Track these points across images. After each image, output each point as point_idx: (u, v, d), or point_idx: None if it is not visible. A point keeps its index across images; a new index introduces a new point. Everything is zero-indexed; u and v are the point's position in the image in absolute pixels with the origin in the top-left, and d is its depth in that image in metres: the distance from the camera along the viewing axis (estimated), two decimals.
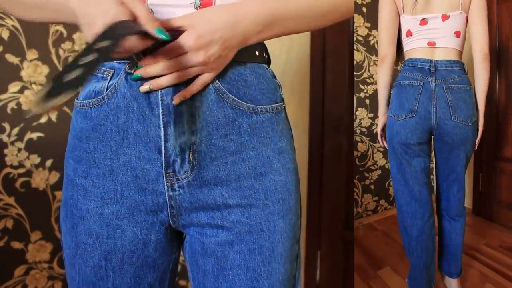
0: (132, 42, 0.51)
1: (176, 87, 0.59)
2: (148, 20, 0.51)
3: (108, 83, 0.61)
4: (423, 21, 1.16)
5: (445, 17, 1.14)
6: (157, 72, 0.57)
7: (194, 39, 0.55)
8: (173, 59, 0.57)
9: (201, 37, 0.56)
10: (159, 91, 0.59)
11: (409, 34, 1.19)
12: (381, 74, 1.24)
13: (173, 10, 0.59)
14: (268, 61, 0.69)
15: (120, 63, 0.61)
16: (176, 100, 0.58)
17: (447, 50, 1.15)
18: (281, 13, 0.61)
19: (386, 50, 1.22)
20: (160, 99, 0.59)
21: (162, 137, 0.59)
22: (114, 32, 0.47)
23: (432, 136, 1.19)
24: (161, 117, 0.59)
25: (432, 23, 1.15)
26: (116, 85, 0.60)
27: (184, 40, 0.55)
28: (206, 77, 0.58)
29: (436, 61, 1.14)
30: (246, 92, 0.61)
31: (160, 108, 0.59)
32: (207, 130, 0.59)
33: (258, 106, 0.62)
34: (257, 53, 0.64)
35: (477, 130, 1.17)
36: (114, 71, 0.61)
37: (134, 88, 0.59)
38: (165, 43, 0.55)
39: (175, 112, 0.59)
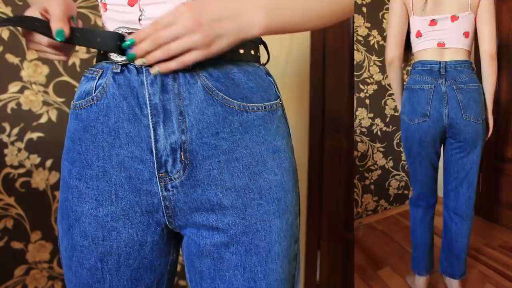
0: (37, 37, 0.60)
1: (163, 87, 0.58)
2: (54, 20, 0.57)
3: (96, 82, 0.61)
4: (433, 22, 1.18)
5: (454, 18, 1.16)
6: (150, 46, 0.55)
7: (186, 6, 0.53)
8: (163, 30, 0.54)
9: (193, 5, 0.54)
10: (146, 91, 0.58)
11: (418, 35, 1.21)
12: (391, 76, 1.29)
13: (165, 7, 0.58)
14: (258, 59, 0.67)
15: (108, 63, 0.61)
16: (153, 70, 0.56)
17: (456, 50, 1.17)
18: (282, 9, 0.59)
19: (393, 52, 1.25)
20: (148, 99, 0.58)
21: (152, 137, 0.59)
22: (13, 18, 0.60)
23: (446, 136, 1.23)
24: (149, 117, 0.58)
25: (441, 24, 1.17)
26: (105, 86, 0.60)
27: (176, 9, 0.54)
28: (192, 55, 0.55)
29: (446, 62, 1.17)
30: (236, 90, 0.60)
31: (148, 108, 0.58)
32: (197, 129, 0.59)
33: (249, 104, 0.61)
34: (241, 51, 0.63)
35: (487, 127, 1.21)
36: (103, 71, 0.61)
37: (123, 88, 0.59)
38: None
39: (164, 112, 0.58)
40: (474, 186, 1.24)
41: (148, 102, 0.58)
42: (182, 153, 0.59)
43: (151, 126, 0.58)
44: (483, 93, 1.19)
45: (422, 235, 1.33)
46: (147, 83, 0.58)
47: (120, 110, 0.59)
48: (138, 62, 0.57)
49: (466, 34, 1.16)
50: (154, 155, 0.59)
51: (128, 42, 0.57)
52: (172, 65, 0.56)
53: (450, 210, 1.28)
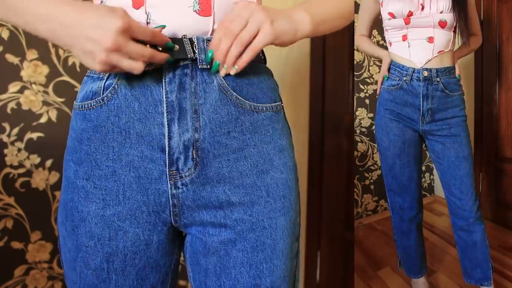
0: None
1: (181, 84, 0.59)
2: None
3: (105, 83, 0.60)
4: None
5: None
6: (227, 46, 0.57)
7: (255, 4, 0.58)
8: (233, 22, 0.57)
9: (261, 5, 0.59)
10: (163, 88, 0.59)
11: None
12: None
13: (170, 9, 0.59)
14: (265, 60, 0.69)
15: None
16: (222, 71, 0.59)
17: None
18: (319, 14, 0.66)
19: None
20: (164, 97, 0.59)
21: (166, 134, 0.59)
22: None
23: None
24: (165, 115, 0.59)
25: None
26: (116, 86, 0.60)
27: (244, 5, 0.58)
28: (260, 37, 0.58)
29: None
30: (249, 90, 0.62)
31: (165, 105, 0.59)
32: (210, 128, 0.60)
33: (259, 104, 0.63)
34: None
35: None
36: None
37: (136, 88, 0.59)
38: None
39: (180, 110, 0.59)
40: None
41: (164, 100, 0.59)
42: (194, 151, 0.60)
43: (165, 124, 0.59)
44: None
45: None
46: (165, 81, 0.59)
47: (131, 110, 0.59)
48: (222, 72, 0.59)
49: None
50: (167, 152, 0.59)
51: (209, 54, 0.58)
52: (246, 57, 0.58)
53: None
